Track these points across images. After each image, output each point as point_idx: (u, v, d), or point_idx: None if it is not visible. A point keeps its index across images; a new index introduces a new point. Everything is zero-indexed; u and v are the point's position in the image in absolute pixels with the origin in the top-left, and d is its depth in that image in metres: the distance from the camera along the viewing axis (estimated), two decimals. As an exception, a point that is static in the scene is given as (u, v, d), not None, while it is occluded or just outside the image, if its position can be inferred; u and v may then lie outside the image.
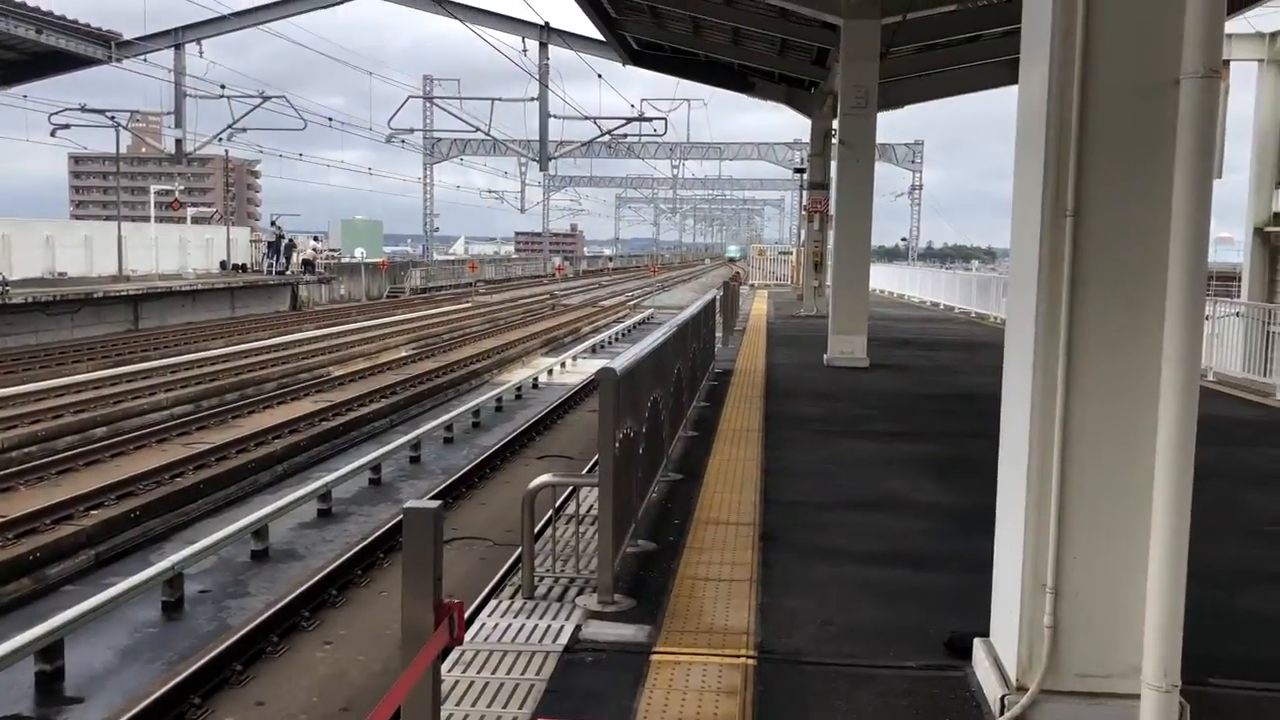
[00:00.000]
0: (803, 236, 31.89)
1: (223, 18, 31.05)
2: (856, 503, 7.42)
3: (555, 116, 39.91)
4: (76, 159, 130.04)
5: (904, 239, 71.69)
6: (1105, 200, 3.76)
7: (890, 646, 4.70)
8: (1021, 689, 3.90)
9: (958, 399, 12.90)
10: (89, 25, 27.09)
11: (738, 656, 4.55)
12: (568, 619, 4.93)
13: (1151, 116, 3.71)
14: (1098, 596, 3.84)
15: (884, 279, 40.72)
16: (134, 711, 6.77)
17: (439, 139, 60.34)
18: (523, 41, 33.55)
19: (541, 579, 5.47)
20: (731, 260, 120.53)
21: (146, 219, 54.42)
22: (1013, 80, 22.32)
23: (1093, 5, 3.69)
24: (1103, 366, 3.79)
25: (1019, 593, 3.91)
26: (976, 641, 4.40)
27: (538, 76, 36.05)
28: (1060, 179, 3.77)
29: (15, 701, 7.52)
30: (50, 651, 7.75)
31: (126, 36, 28.94)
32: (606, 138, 44.28)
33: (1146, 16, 3.69)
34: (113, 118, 35.64)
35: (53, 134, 34.78)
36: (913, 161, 66.32)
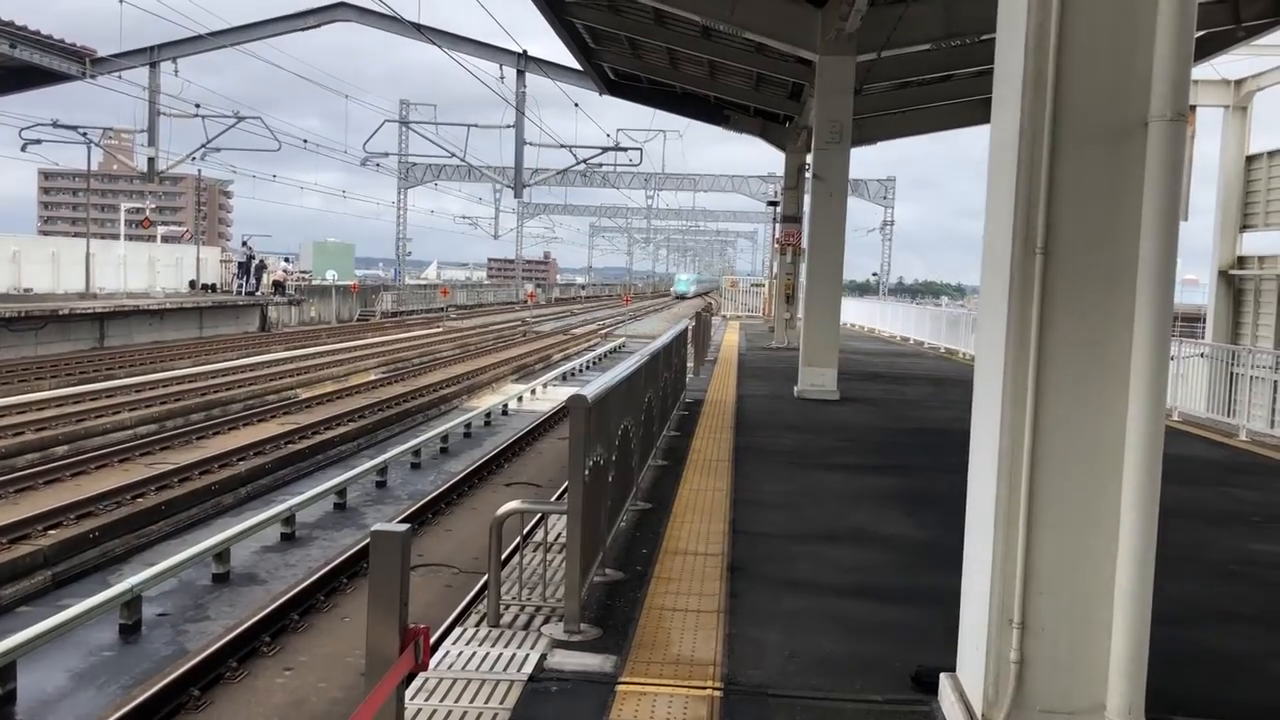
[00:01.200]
0: (775, 269, 32.07)
1: (199, 37, 30.95)
2: (825, 535, 7.43)
3: (531, 144, 40.07)
4: (47, 174, 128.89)
5: (875, 274, 72.19)
6: (1074, 239, 3.81)
7: (856, 680, 4.69)
8: (987, 724, 3.90)
9: (927, 433, 12.97)
10: (63, 41, 26.93)
11: (704, 688, 4.53)
12: (533, 647, 4.89)
13: (1120, 158, 3.77)
14: (1064, 632, 3.86)
15: (855, 313, 40.95)
16: (87, 736, 6.65)
17: (414, 163, 60.35)
18: (500, 69, 33.68)
19: (507, 607, 5.43)
20: (681, 297, 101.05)
21: (116, 237, 54.02)
22: (984, 120, 22.56)
23: (1064, 48, 3.75)
24: (1070, 403, 3.83)
25: (986, 627, 3.92)
26: (943, 676, 4.40)
27: (514, 104, 36.17)
28: (1030, 217, 3.82)
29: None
30: (2, 674, 7.61)
31: (102, 53, 28.81)
32: (582, 166, 44.46)
33: (1116, 60, 3.75)
34: (85, 134, 35.43)
35: (23, 149, 34.53)
36: (885, 197, 66.98)
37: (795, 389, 15.54)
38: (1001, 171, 4.01)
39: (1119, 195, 3.77)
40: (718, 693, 4.49)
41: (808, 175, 22.01)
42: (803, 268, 23.35)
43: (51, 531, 11.24)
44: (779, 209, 30.81)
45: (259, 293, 44.12)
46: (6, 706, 7.61)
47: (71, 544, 11.05)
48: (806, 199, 23.02)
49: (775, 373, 18.92)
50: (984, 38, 15.53)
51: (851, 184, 21.25)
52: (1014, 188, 3.84)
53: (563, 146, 40.63)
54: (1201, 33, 15.59)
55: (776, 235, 32.05)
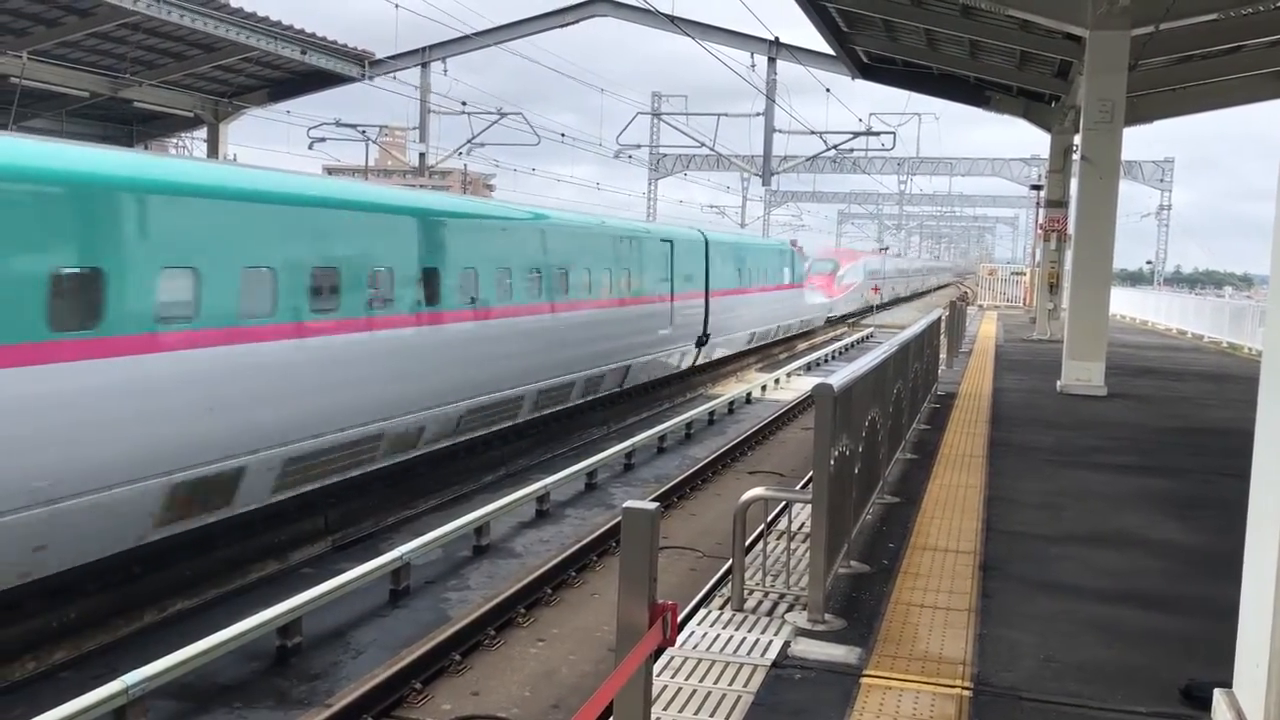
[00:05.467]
0: (1037, 256, 30.63)
1: (466, 37, 32.56)
2: (1086, 537, 7.04)
3: (780, 131, 39.77)
4: (329, 170, 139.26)
5: (1149, 262, 67.45)
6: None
7: (1118, 689, 4.44)
8: (1268, 748, 3.60)
9: (1203, 433, 12.04)
10: (346, 45, 28.95)
11: (952, 686, 4.41)
12: (776, 634, 4.91)
13: None
14: (1361, 654, 3.50)
15: (1126, 304, 38.53)
16: (361, 690, 7.18)
17: (664, 154, 61.27)
18: (751, 57, 33.65)
19: (751, 592, 5.46)
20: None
21: (390, 228, 57.53)
22: (1279, 94, 20.62)
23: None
24: (1376, 403, 3.46)
25: (1269, 643, 3.61)
26: (1217, 692, 4.10)
27: (765, 91, 36.10)
28: (1332, 197, 3.48)
29: (257, 673, 8.11)
30: (289, 629, 8.33)
31: (378, 56, 30.77)
32: (832, 152, 43.82)
33: None
34: (364, 132, 37.94)
35: (310, 147, 37.25)
36: (1161, 180, 62.34)
37: (1058, 383, 14.80)
38: (1298, 148, 3.67)
39: None
40: (967, 692, 4.36)
41: (1075, 157, 20.82)
42: (1068, 255, 22.15)
43: (331, 502, 12.19)
44: (1042, 193, 29.34)
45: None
46: (293, 657, 8.33)
47: (350, 515, 11.95)
48: (1073, 182, 21.79)
49: (1035, 366, 18.06)
50: (1280, 3, 14.20)
51: (1124, 166, 19.92)
52: (1312, 166, 3.50)
53: (812, 133, 40.16)
54: None
55: (1040, 221, 30.54)
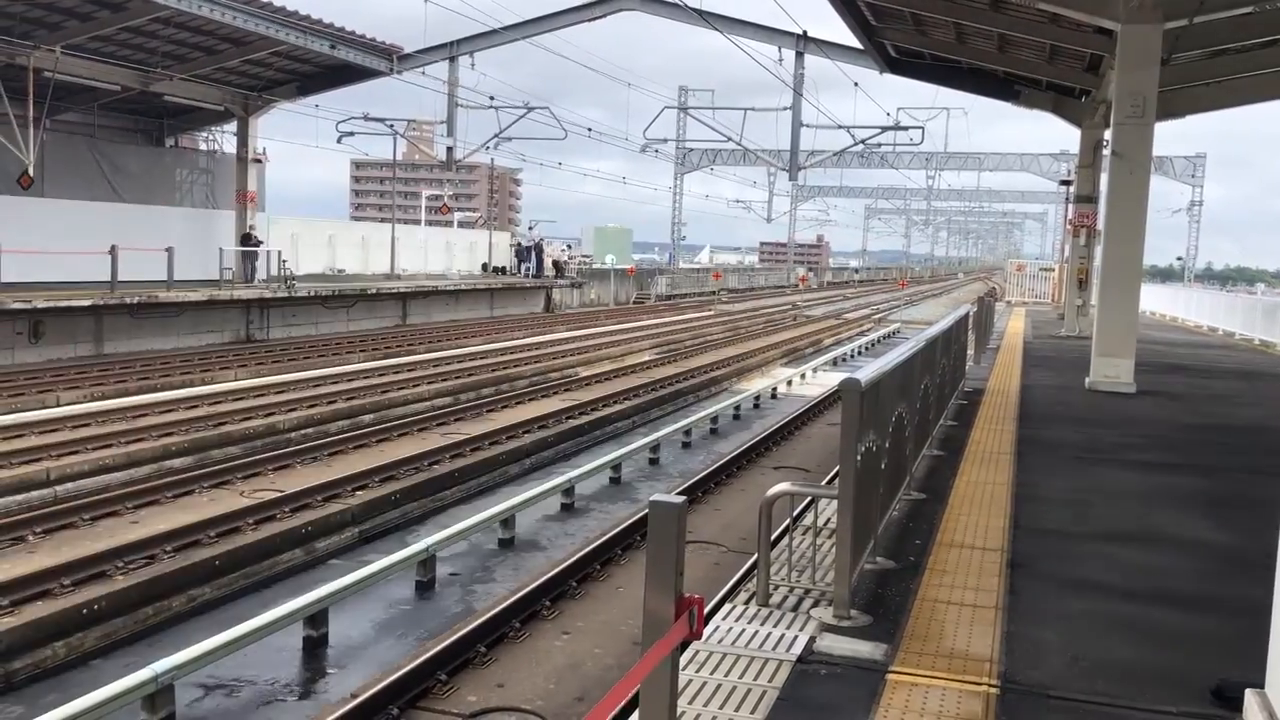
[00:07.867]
0: (1066, 252, 30.42)
1: (493, 32, 32.62)
2: (1115, 535, 6.99)
3: (807, 126, 39.58)
4: (357, 164, 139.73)
5: (1179, 258, 66.87)
6: None
7: (1147, 689, 4.40)
8: (1300, 750, 3.56)
9: (1235, 431, 11.91)
10: (375, 40, 29.06)
11: (979, 684, 4.38)
12: (802, 629, 4.89)
13: None
14: (1397, 656, 3.45)
15: (1156, 300, 38.19)
16: (386, 682, 7.21)
17: (691, 149, 61.19)
18: (779, 51, 33.54)
19: (776, 588, 5.45)
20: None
21: (418, 221, 58.06)
22: (1314, 87, 20.24)
23: None
24: None
25: (1302, 644, 3.57)
26: (1249, 692, 4.05)
27: (792, 86, 35.96)
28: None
29: (284, 663, 8.17)
30: (316, 620, 8.38)
31: (407, 50, 30.87)
32: (859, 147, 43.61)
33: None
34: (391, 126, 38.06)
35: (338, 141, 37.45)
36: (1193, 175, 61.77)
37: (1086, 380, 14.68)
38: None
39: None
40: (994, 690, 4.33)
41: (1105, 152, 20.64)
42: (1098, 251, 21.99)
43: (359, 492, 12.27)
44: (1072, 188, 29.14)
45: (545, 275, 46.24)
46: (320, 648, 8.39)
47: (375, 504, 12.01)
48: (1103, 178, 21.61)
49: (1064, 362, 17.93)
50: (1317, -4, 14.00)
51: (1154, 161, 19.71)
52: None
53: (840, 127, 39.98)
54: None
55: (1069, 216, 30.33)
